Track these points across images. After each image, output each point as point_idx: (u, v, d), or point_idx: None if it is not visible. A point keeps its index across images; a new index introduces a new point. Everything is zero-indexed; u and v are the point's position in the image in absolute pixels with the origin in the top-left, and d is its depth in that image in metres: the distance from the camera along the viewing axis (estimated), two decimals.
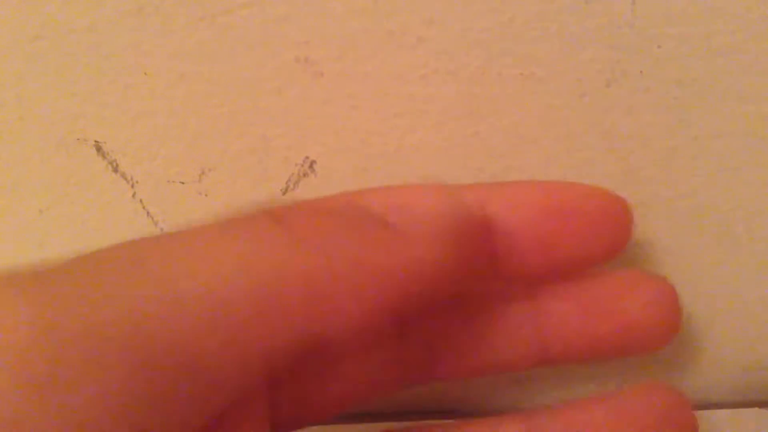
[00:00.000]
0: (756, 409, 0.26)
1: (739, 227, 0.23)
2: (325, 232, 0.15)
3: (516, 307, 0.20)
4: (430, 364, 0.20)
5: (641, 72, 0.21)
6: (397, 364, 0.20)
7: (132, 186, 0.22)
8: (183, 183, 0.22)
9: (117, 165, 0.22)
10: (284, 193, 0.23)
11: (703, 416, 0.26)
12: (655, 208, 0.22)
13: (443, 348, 0.20)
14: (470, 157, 0.22)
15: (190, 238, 0.15)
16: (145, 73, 0.21)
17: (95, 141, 0.22)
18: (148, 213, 0.23)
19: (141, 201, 0.23)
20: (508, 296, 0.20)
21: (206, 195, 0.23)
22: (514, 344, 0.20)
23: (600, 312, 0.20)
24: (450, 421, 0.21)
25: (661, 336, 0.20)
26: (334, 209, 0.17)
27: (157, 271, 0.13)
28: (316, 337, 0.15)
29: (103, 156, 0.22)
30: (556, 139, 0.22)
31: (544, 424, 0.20)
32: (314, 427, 0.19)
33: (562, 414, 0.20)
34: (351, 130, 0.22)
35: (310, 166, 0.22)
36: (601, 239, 0.19)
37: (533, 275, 0.20)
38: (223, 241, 0.15)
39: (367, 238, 0.16)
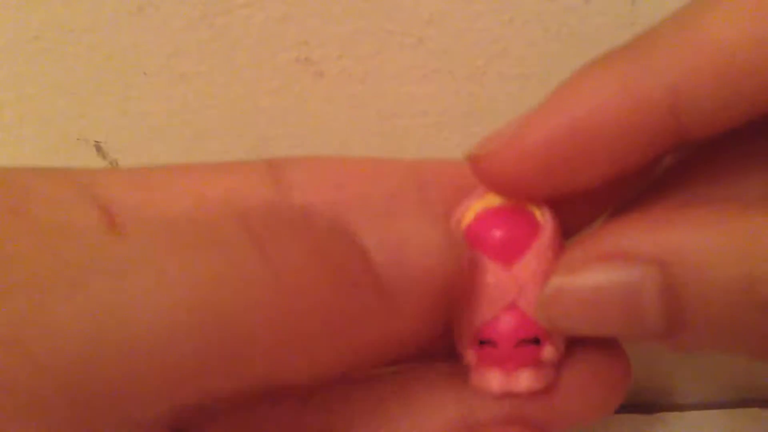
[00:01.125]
0: (756, 409, 0.26)
1: None
2: (311, 276, 0.13)
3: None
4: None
5: None
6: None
7: None
8: None
9: (117, 165, 0.22)
10: None
11: (704, 416, 0.26)
12: None
13: None
14: None
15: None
16: (145, 73, 0.21)
17: (95, 141, 0.22)
18: None
19: None
20: None
21: None
22: None
23: None
24: None
25: None
26: (321, 234, 0.13)
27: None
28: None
29: (103, 156, 0.22)
30: None
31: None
32: None
33: None
34: (351, 130, 0.22)
35: None
36: None
37: None
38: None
39: (356, 300, 0.13)
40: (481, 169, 0.15)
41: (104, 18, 0.20)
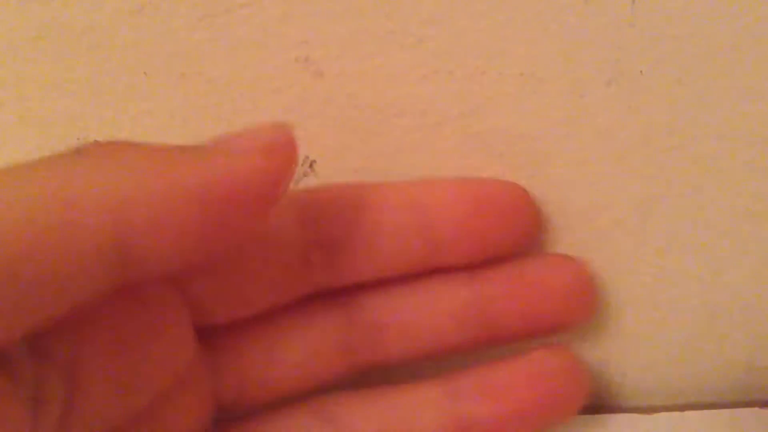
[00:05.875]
0: (756, 409, 0.26)
1: (743, 226, 0.23)
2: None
3: (458, 291, 0.21)
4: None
5: (641, 72, 0.21)
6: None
7: None
8: None
9: None
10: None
11: (704, 416, 0.26)
12: (655, 207, 0.22)
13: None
14: (470, 157, 0.22)
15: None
16: (145, 73, 0.21)
17: (95, 141, 0.22)
18: None
19: None
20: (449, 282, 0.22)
21: None
22: (462, 326, 0.21)
23: (530, 293, 0.21)
24: (369, 390, 0.22)
25: (581, 314, 0.22)
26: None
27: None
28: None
29: None
30: (556, 139, 0.22)
31: (462, 384, 0.21)
32: None
33: (478, 374, 0.22)
34: (351, 130, 0.22)
35: (310, 166, 0.22)
36: (514, 229, 0.21)
37: (463, 264, 0.21)
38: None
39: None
40: None
41: (104, 18, 0.20)
